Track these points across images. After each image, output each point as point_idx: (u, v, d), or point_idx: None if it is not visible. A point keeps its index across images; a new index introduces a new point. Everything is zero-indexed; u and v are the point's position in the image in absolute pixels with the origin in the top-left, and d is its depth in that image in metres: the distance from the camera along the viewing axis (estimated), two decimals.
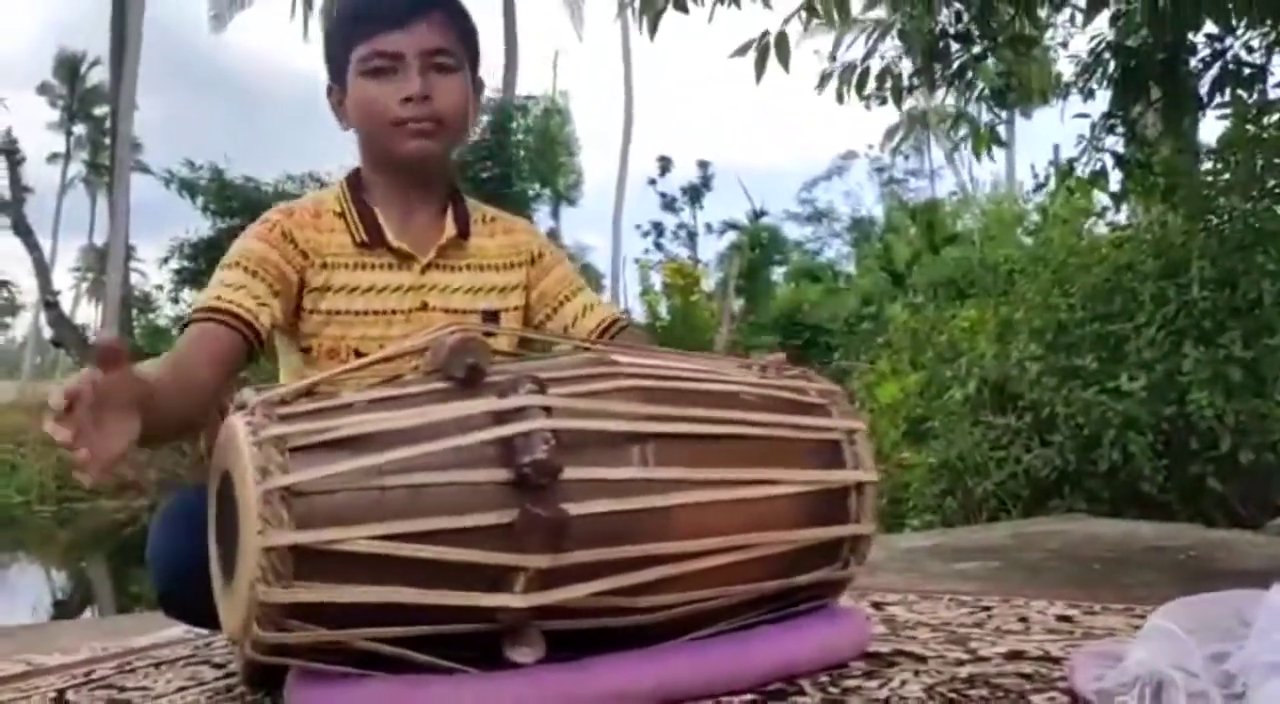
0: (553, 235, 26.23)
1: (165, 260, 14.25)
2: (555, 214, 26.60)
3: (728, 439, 1.28)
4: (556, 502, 1.13)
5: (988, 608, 1.70)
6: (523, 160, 19.55)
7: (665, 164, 27.50)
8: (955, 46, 3.22)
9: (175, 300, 14.67)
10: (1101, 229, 4.60)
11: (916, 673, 1.30)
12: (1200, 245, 3.24)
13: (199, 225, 14.16)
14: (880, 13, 3.17)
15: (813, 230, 29.84)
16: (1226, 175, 4.33)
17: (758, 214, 26.03)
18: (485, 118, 16.79)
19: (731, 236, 26.02)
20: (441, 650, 1.14)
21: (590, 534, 1.15)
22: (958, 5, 3.18)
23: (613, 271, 26.47)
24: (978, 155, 4.05)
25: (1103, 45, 3.68)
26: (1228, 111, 4.35)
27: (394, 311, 1.47)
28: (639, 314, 22.78)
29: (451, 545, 1.11)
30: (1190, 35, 3.53)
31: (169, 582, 1.34)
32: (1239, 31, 3.69)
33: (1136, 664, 1.07)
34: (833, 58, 3.34)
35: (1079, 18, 3.29)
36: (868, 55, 3.30)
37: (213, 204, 14.09)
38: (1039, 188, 4.98)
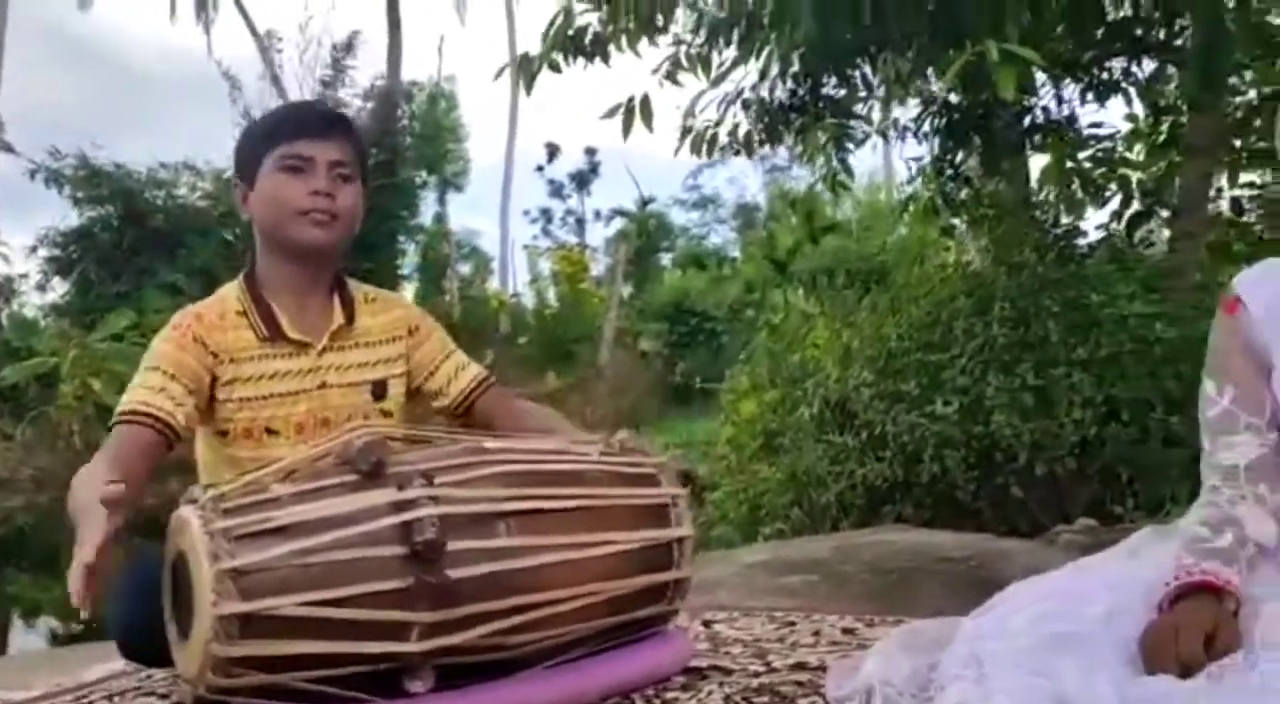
0: (439, 221, 26.19)
1: (33, 249, 13.81)
2: (442, 200, 26.56)
3: (575, 510, 1.67)
4: (442, 569, 1.50)
5: (792, 623, 2.12)
6: (408, 147, 19.49)
7: (552, 150, 27.70)
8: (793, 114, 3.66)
9: (43, 288, 14.22)
10: (944, 257, 5.15)
11: (721, 684, 1.70)
12: (1002, 288, 3.77)
13: (68, 212, 13.74)
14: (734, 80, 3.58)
15: (699, 217, 30.45)
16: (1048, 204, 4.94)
17: (645, 201, 26.47)
18: (369, 104, 16.76)
19: (619, 223, 26.43)
20: (355, 685, 1.50)
21: (470, 592, 1.52)
22: (791, 84, 3.62)
23: (501, 258, 26.56)
24: (834, 193, 4.54)
25: (929, 102, 4.18)
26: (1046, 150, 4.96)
27: (298, 392, 1.79)
28: (528, 300, 23.05)
29: (361, 607, 1.46)
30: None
31: (128, 633, 1.66)
32: (1043, 89, 4.24)
33: (862, 675, 1.48)
34: (691, 114, 3.74)
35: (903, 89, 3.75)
36: (719, 121, 3.72)
37: (81, 193, 13.71)
38: (903, 210, 5.50)
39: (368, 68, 17.59)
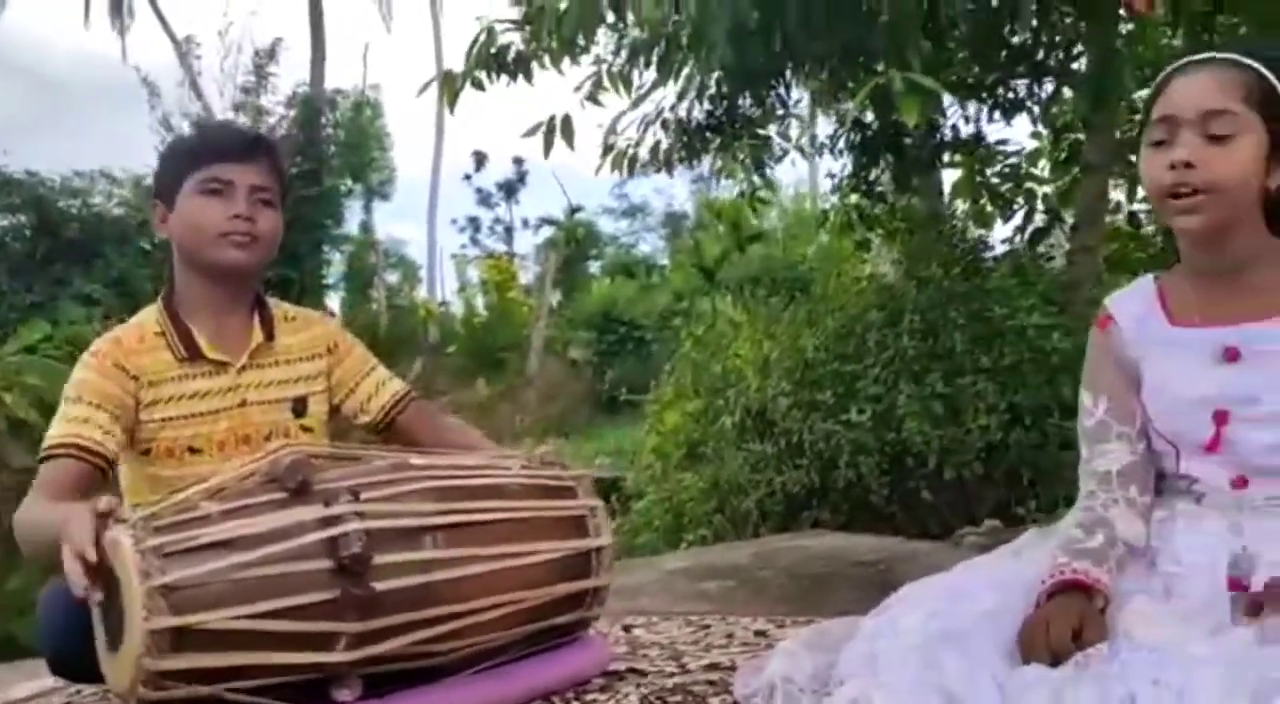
0: (365, 230, 25.93)
1: None
2: (368, 209, 26.28)
3: (497, 522, 1.75)
4: (368, 582, 1.57)
5: (708, 626, 2.22)
6: (333, 156, 19.29)
7: (480, 159, 27.60)
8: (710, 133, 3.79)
9: None
10: (861, 270, 5.33)
11: (638, 685, 1.79)
12: (912, 300, 3.94)
13: None
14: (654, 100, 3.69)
15: (628, 225, 30.59)
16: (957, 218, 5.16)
17: (573, 210, 26.50)
18: (292, 112, 16.57)
19: (548, 232, 26.43)
20: (284, 695, 1.55)
21: (396, 603, 1.59)
22: (708, 105, 3.74)
23: (429, 267, 26.38)
24: (753, 208, 4.69)
25: (844, 120, 4.35)
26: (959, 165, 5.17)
27: (218, 411, 1.83)
28: (457, 309, 22.93)
29: (289, 619, 1.52)
30: None
31: (57, 650, 1.70)
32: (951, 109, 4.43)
33: (766, 674, 1.58)
34: (613, 132, 3.84)
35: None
36: (639, 141, 3.84)
37: None
38: (820, 225, 5.67)
39: (290, 75, 17.38)
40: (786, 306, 4.71)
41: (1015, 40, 3.94)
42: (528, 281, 24.06)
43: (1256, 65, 1.39)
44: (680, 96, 3.64)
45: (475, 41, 3.71)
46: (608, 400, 16.32)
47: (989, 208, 5.30)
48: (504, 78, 3.89)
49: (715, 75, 3.58)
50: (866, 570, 2.84)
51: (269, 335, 1.88)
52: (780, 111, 4.04)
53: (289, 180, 1.97)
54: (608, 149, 3.93)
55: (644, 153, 3.83)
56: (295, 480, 1.60)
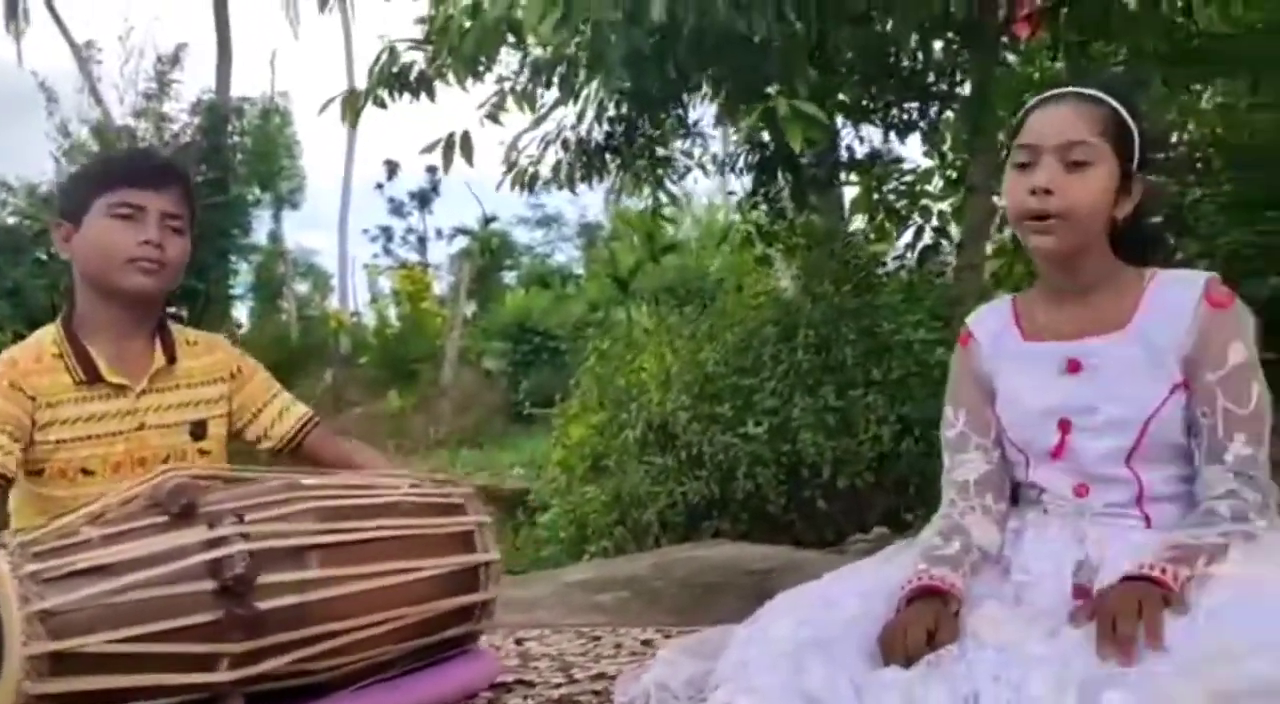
0: (274, 239, 25.44)
1: None
2: (277, 218, 25.81)
3: (382, 540, 1.78)
4: (252, 602, 1.59)
5: (598, 638, 2.28)
6: (240, 164, 18.90)
7: (392, 168, 27.29)
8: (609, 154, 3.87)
9: None
10: (762, 285, 5.45)
11: (525, 697, 1.85)
12: (806, 316, 4.07)
13: None
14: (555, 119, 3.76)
15: (543, 235, 30.54)
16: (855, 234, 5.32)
17: (488, 219, 26.37)
18: (197, 120, 16.22)
19: (462, 242, 26.25)
20: None
21: (280, 622, 1.62)
22: (607, 127, 3.83)
23: (340, 277, 25.97)
24: (655, 224, 4.78)
25: (743, 142, 4.47)
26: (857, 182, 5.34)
27: (115, 433, 1.83)
28: (370, 320, 22.64)
29: (171, 641, 1.54)
30: None
31: None
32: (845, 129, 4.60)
33: (643, 681, 1.65)
34: (514, 149, 3.89)
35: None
36: (539, 160, 3.90)
37: None
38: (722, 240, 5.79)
39: (195, 82, 17.00)
40: (698, 317, 4.80)
41: (903, 66, 4.11)
42: (442, 292, 23.86)
43: (1113, 102, 1.52)
44: (580, 117, 3.72)
45: (377, 61, 3.73)
46: (522, 411, 16.27)
47: (887, 224, 5.48)
48: (407, 96, 3.91)
49: (614, 97, 3.67)
50: (756, 579, 2.93)
51: (170, 359, 1.89)
52: (681, 131, 4.14)
53: (197, 199, 1.98)
54: (511, 166, 3.98)
55: (545, 171, 3.90)
56: (179, 504, 1.62)
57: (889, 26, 3.51)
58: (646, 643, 2.20)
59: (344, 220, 25.78)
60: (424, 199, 27.59)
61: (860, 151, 5.03)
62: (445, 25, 3.38)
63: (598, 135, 3.83)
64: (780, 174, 4.71)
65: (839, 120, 4.28)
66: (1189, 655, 1.24)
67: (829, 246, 4.57)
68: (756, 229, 4.81)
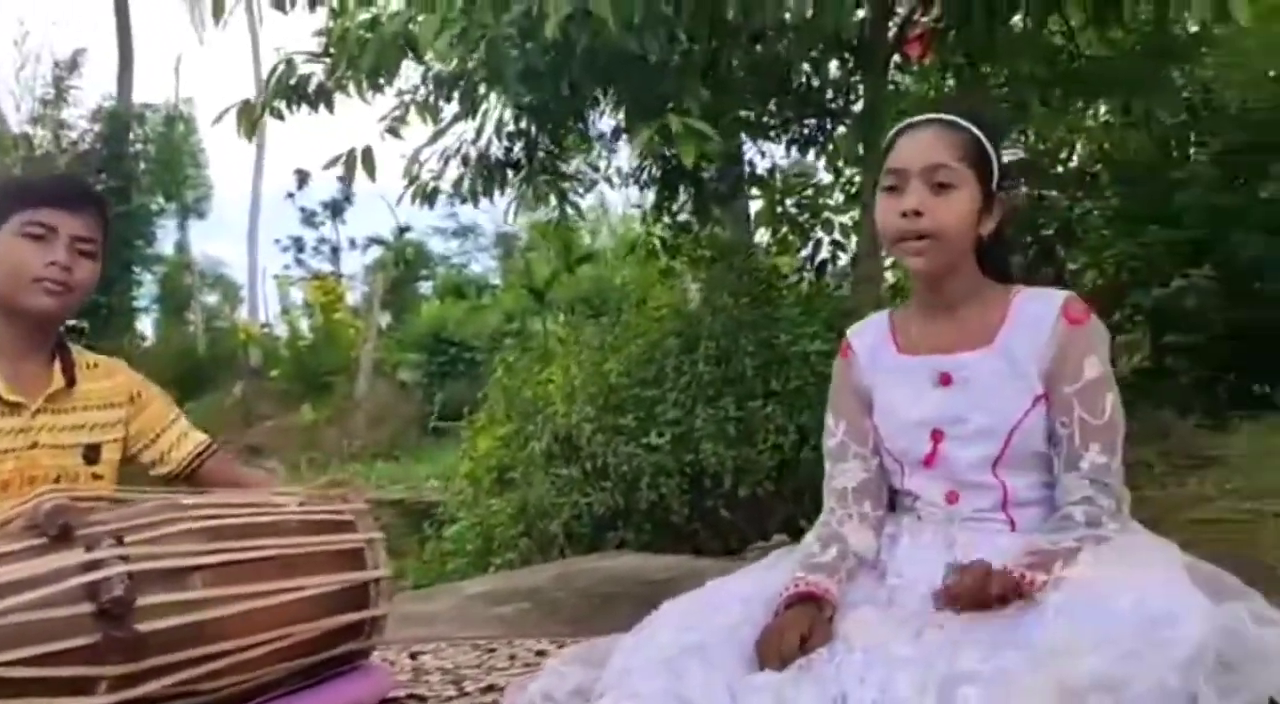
0: (181, 250, 24.79)
1: None
2: (182, 228, 25.17)
3: (267, 559, 1.79)
4: (131, 624, 1.59)
5: (493, 650, 2.30)
6: (143, 172, 18.46)
7: (302, 177, 26.78)
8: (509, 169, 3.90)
9: None
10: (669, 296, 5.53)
11: None
12: (707, 327, 4.15)
13: None
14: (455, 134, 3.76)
15: (459, 245, 30.27)
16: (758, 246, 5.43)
17: (402, 229, 26.05)
18: (97, 127, 15.78)
19: (376, 252, 25.90)
20: None
21: (162, 644, 1.62)
22: (506, 142, 3.86)
23: (250, 288, 25.42)
24: (558, 237, 4.81)
25: (645, 157, 4.53)
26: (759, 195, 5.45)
27: (6, 451, 1.81)
28: (281, 331, 22.18)
29: (46, 665, 1.53)
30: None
31: None
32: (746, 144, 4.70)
33: (529, 691, 1.68)
34: (416, 163, 3.88)
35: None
36: (440, 175, 3.91)
37: None
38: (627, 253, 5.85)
39: (96, 88, 16.55)
40: (611, 327, 4.84)
41: (799, 84, 4.22)
42: (356, 303, 23.51)
43: (972, 128, 1.61)
44: (479, 132, 3.74)
45: (273, 72, 3.70)
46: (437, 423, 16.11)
47: (790, 237, 5.60)
48: (305, 107, 3.89)
49: (513, 112, 3.71)
50: (653, 588, 2.97)
51: (69, 381, 1.89)
52: (584, 146, 4.18)
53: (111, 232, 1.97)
54: (412, 180, 3.98)
55: (446, 185, 3.90)
56: (56, 526, 1.60)
57: (783, 47, 3.61)
58: (541, 654, 2.23)
59: (253, 230, 25.25)
60: (336, 209, 27.10)
61: (762, 166, 5.13)
62: (343, 37, 3.38)
63: (497, 150, 3.86)
64: (683, 188, 4.79)
65: (740, 136, 4.37)
66: (1039, 650, 1.30)
67: (735, 258, 4.66)
68: (661, 242, 4.89)
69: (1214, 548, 3.54)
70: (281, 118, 3.80)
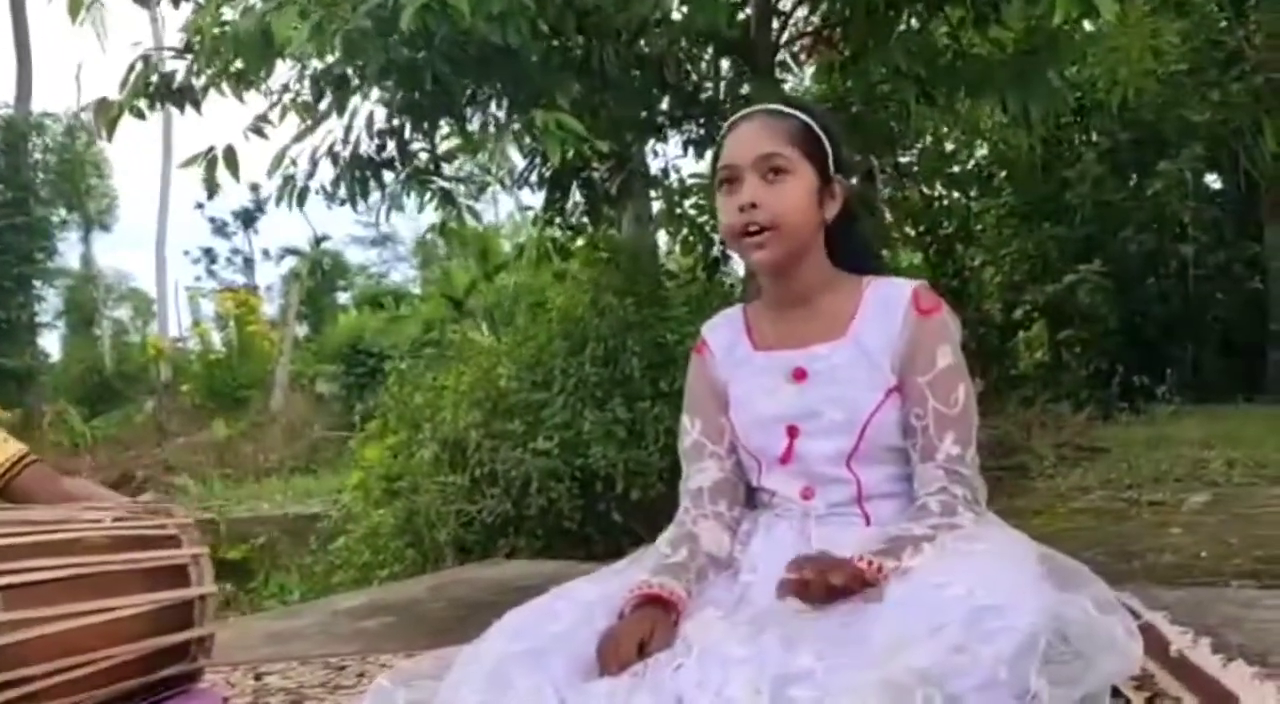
0: (86, 263, 24.00)
1: None
2: (86, 239, 24.39)
3: (73, 578, 1.67)
4: None
5: (344, 668, 2.20)
6: (41, 183, 17.89)
7: (212, 186, 26.18)
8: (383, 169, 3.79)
9: None
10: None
11: None
12: (594, 329, 4.09)
13: None
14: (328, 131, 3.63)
15: (378, 255, 29.86)
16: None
17: (319, 239, 25.61)
18: None
19: (292, 262, 25.41)
20: None
21: None
22: (377, 140, 3.75)
23: (160, 301, 24.73)
24: (446, 241, 4.71)
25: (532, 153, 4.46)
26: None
27: None
28: (193, 345, 21.58)
29: None
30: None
31: None
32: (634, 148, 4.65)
33: None
34: (283, 162, 3.72)
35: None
36: (311, 174, 3.77)
37: None
38: (518, 256, 5.77)
39: None
40: (503, 332, 4.76)
41: (683, 83, 4.18)
42: (273, 315, 23.02)
43: (797, 113, 1.57)
44: (348, 130, 3.63)
45: (131, 70, 3.54)
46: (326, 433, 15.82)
47: (691, 238, 5.56)
48: (169, 106, 3.73)
49: (384, 111, 3.61)
50: (526, 596, 2.89)
51: None
52: (469, 146, 4.08)
53: None
54: (287, 180, 3.84)
55: (315, 186, 3.77)
56: None
57: (660, 44, 3.56)
58: (386, 667, 2.13)
59: (161, 242, 24.56)
60: (248, 218, 26.59)
61: (656, 167, 5.09)
62: (200, 32, 3.24)
63: (369, 149, 3.74)
64: (576, 189, 4.72)
65: (627, 135, 4.31)
66: (872, 647, 1.27)
67: (625, 259, 4.61)
68: (553, 244, 4.81)
69: (1089, 537, 3.61)
70: (143, 117, 3.64)
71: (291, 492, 12.47)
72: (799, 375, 1.58)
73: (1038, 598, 1.27)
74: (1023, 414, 6.09)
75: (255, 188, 26.12)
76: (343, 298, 26.42)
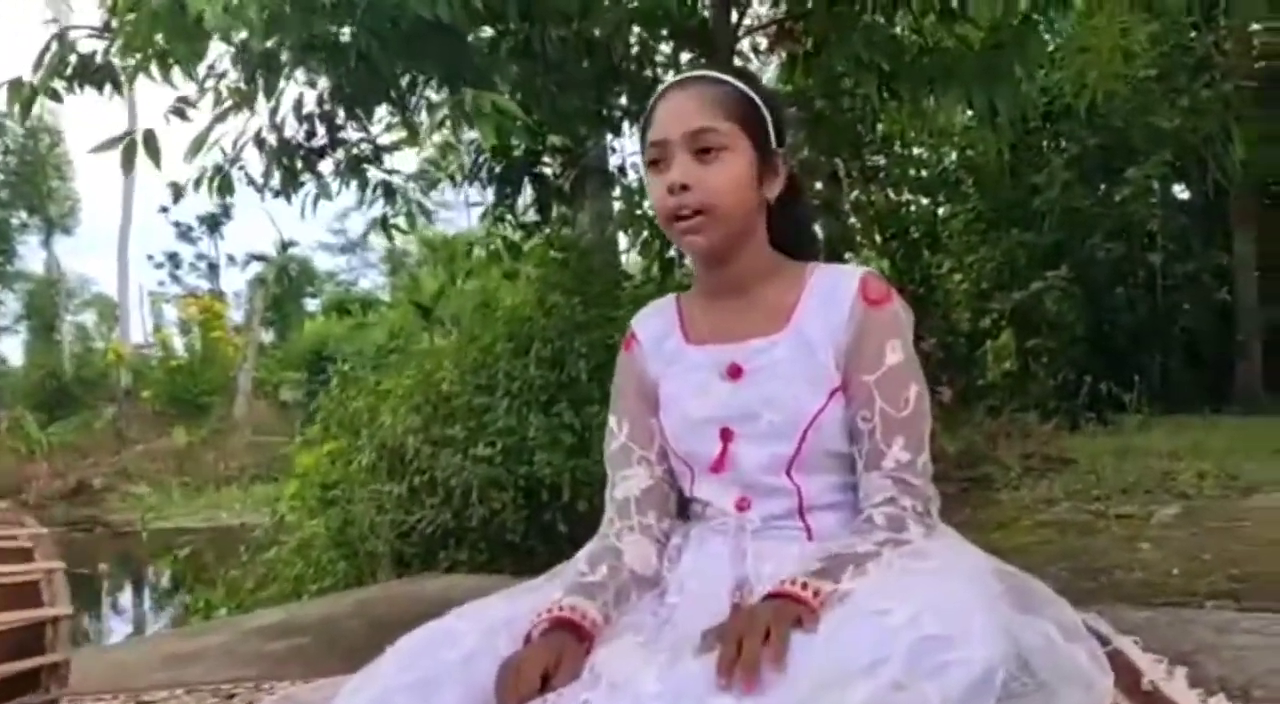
0: (47, 267, 23.59)
1: None
2: (47, 243, 23.97)
3: None
4: None
5: (233, 697, 1.99)
6: (1, 185, 17.59)
7: (177, 190, 25.75)
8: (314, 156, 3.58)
9: None
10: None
11: None
12: (540, 330, 3.89)
13: None
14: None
15: (347, 261, 29.56)
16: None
17: (285, 245, 25.30)
18: None
19: (257, 268, 25.07)
20: None
21: None
22: (305, 124, 3.54)
23: (123, 307, 24.31)
24: (389, 238, 4.50)
25: (481, 151, 4.27)
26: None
27: None
28: (155, 351, 21.21)
29: None
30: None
31: None
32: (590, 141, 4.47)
33: None
34: (199, 150, 3.50)
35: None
36: (234, 161, 3.56)
37: None
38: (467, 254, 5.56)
39: None
40: (449, 333, 4.55)
41: (636, 72, 4.01)
42: (239, 321, 22.69)
43: (731, 80, 1.39)
44: (273, 112, 3.41)
45: (46, 48, 3.32)
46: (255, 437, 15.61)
47: (651, 239, 5.38)
48: (89, 88, 3.50)
49: (314, 94, 3.40)
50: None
51: None
52: (412, 138, 3.88)
53: None
54: (218, 171, 3.63)
55: (242, 175, 3.56)
56: None
57: (607, 31, 3.38)
58: (286, 698, 1.93)
59: (124, 246, 24.15)
60: (214, 223, 26.18)
61: (613, 163, 4.91)
62: (114, 10, 3.03)
63: (297, 134, 3.52)
64: (529, 185, 4.53)
65: (580, 128, 4.13)
66: (800, 686, 1.10)
67: (578, 258, 4.42)
68: (503, 242, 4.62)
69: (1053, 552, 3.46)
70: (59, 99, 3.41)
71: (251, 500, 12.23)
72: (734, 372, 1.41)
73: (993, 623, 1.11)
74: (989, 424, 5.97)
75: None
76: (311, 305, 26.12)
